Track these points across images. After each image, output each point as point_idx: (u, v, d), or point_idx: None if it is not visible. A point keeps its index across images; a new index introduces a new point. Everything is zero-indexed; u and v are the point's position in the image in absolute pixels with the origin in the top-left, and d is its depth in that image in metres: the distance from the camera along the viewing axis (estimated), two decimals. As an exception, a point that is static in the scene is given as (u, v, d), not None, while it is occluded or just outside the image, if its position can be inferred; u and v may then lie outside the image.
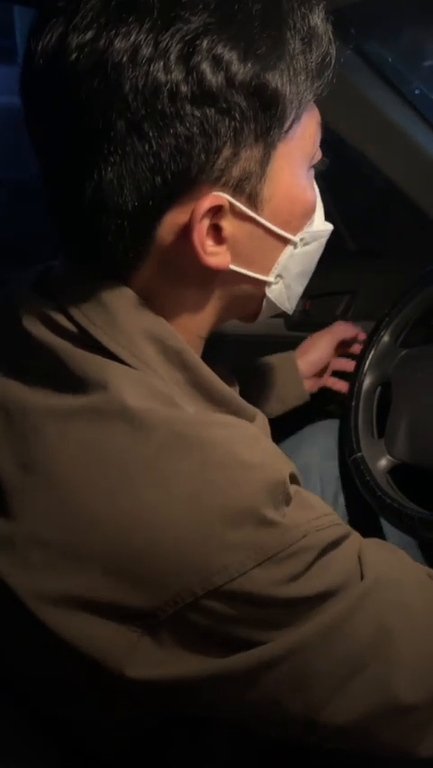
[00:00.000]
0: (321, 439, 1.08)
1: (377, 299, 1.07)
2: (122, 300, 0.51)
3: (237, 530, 0.43)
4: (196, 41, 0.43)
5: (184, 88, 0.43)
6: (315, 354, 1.04)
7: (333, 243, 1.23)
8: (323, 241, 0.59)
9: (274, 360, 1.04)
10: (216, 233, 0.50)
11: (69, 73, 0.43)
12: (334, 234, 1.14)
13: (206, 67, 0.43)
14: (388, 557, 0.53)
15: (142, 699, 0.48)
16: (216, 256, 0.50)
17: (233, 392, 0.57)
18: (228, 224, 0.50)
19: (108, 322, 0.50)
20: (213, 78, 0.43)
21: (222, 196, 0.48)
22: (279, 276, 0.56)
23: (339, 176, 1.05)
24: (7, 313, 0.53)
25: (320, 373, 1.06)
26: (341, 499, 1.04)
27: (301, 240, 0.55)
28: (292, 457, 1.04)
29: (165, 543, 0.43)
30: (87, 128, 0.44)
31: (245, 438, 0.48)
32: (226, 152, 0.46)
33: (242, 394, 0.97)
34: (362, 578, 0.48)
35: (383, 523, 1.05)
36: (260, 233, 0.52)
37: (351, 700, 0.47)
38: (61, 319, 0.50)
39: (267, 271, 0.55)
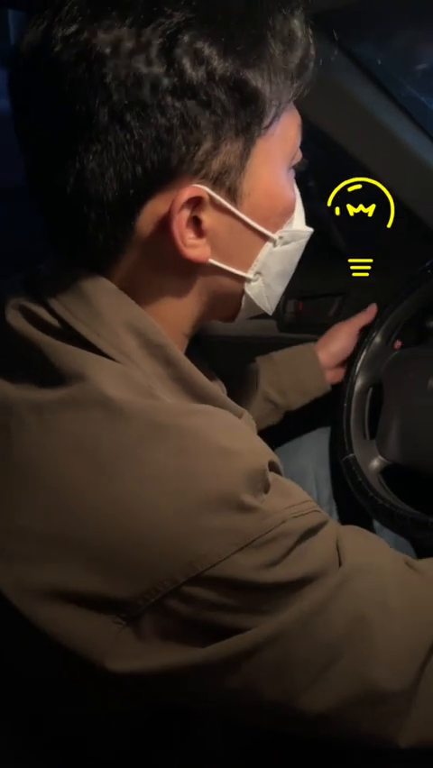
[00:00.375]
0: (316, 445, 1.08)
1: (369, 301, 1.08)
2: (103, 293, 0.51)
3: (217, 516, 0.44)
4: (177, 36, 0.44)
5: (165, 81, 0.44)
6: (336, 345, 1.04)
7: (325, 245, 1.24)
8: (303, 242, 0.60)
9: (294, 351, 1.04)
10: (196, 225, 0.51)
11: (54, 64, 0.44)
12: (326, 236, 1.14)
13: (186, 60, 0.44)
14: (366, 544, 0.53)
15: (128, 691, 0.48)
16: (195, 248, 0.51)
17: (218, 389, 0.57)
18: (208, 217, 0.51)
19: (90, 314, 0.50)
20: (193, 72, 0.44)
21: (201, 188, 0.49)
22: (258, 273, 0.57)
23: (332, 177, 1.06)
24: None
25: (342, 364, 1.06)
26: (335, 503, 1.04)
27: (281, 238, 0.56)
28: (288, 462, 1.05)
29: (145, 531, 0.43)
30: (70, 117, 0.45)
31: (224, 426, 0.49)
32: (207, 145, 0.47)
33: (262, 386, 0.99)
34: (340, 564, 0.49)
35: (376, 524, 1.05)
36: (239, 228, 0.52)
37: (329, 687, 0.47)
38: (44, 313, 0.51)
39: (246, 267, 0.56)
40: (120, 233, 0.50)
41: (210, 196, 0.49)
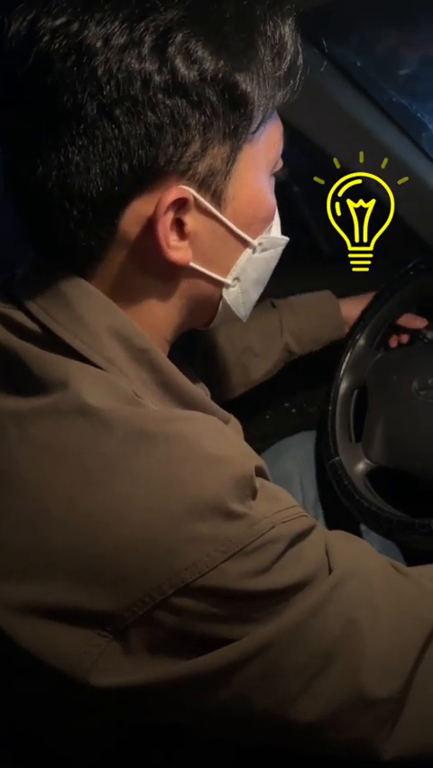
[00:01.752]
0: (301, 448, 1.08)
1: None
2: (85, 296, 0.50)
3: (205, 524, 0.43)
4: (170, 33, 0.43)
5: (158, 78, 0.44)
6: (362, 304, 1.01)
7: (309, 248, 1.24)
8: (279, 250, 0.60)
9: (317, 300, 1.03)
10: (179, 228, 0.50)
11: (41, 55, 0.43)
12: (310, 239, 1.14)
13: (179, 59, 0.44)
14: (353, 548, 0.53)
15: (114, 706, 0.47)
16: (178, 251, 0.50)
17: (203, 394, 0.56)
18: (191, 220, 0.50)
19: (72, 319, 0.49)
20: (186, 71, 0.44)
21: (187, 190, 0.48)
22: (236, 279, 0.56)
23: (314, 181, 1.06)
24: None
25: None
26: (321, 507, 1.04)
27: (260, 244, 0.56)
28: (273, 466, 1.04)
29: (130, 541, 0.42)
30: (56, 110, 0.44)
31: (210, 431, 0.48)
32: (195, 146, 0.47)
33: (284, 336, 0.99)
34: (330, 570, 0.48)
35: (363, 527, 1.05)
36: (222, 233, 0.52)
37: (320, 695, 0.46)
38: (23, 319, 0.50)
39: (225, 272, 0.55)
40: (102, 232, 0.49)
41: (195, 199, 0.49)
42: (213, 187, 0.49)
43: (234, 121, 0.48)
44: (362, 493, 0.86)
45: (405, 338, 1.02)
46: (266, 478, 0.52)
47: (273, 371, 1.02)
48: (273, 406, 1.27)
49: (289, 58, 0.49)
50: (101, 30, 0.43)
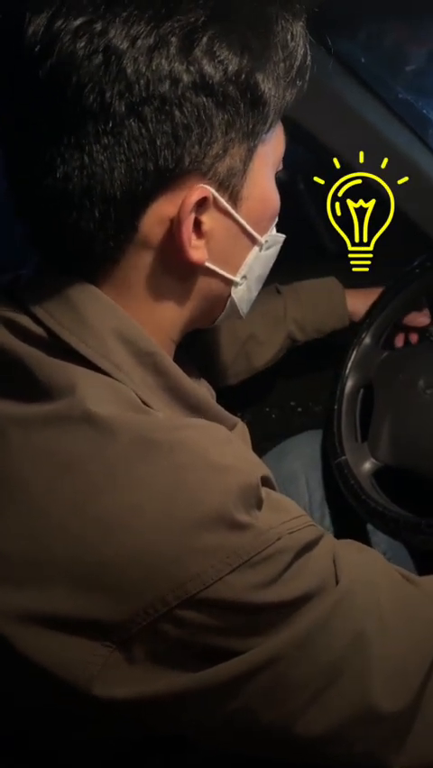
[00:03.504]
0: (307, 448, 1.07)
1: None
2: (91, 300, 0.50)
3: (210, 535, 0.42)
4: (195, 35, 0.44)
5: (186, 77, 0.44)
6: (368, 297, 1.00)
7: (314, 246, 1.23)
8: (278, 248, 0.60)
9: (321, 288, 1.02)
10: (197, 227, 0.50)
11: (64, 55, 0.43)
12: (315, 237, 1.13)
13: (206, 60, 0.45)
14: (363, 559, 0.52)
15: (116, 718, 0.46)
16: (197, 250, 0.51)
17: (209, 397, 0.56)
18: (209, 219, 0.50)
19: (77, 323, 0.49)
20: (213, 72, 0.45)
21: (209, 190, 0.49)
22: (244, 277, 0.57)
23: (319, 178, 1.05)
24: None
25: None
26: (327, 506, 1.03)
27: (266, 242, 0.56)
28: (279, 466, 1.04)
29: (134, 550, 0.42)
30: (82, 109, 0.44)
31: (216, 440, 0.47)
32: (217, 146, 0.48)
33: (288, 323, 0.98)
34: (337, 582, 0.47)
35: (369, 527, 1.05)
36: (235, 231, 0.53)
37: (328, 709, 0.46)
38: (29, 324, 0.49)
39: (236, 271, 0.56)
40: (122, 233, 0.49)
41: (214, 198, 0.49)
42: (231, 186, 0.50)
43: (253, 120, 0.49)
44: (368, 493, 0.86)
45: (414, 337, 1.02)
46: (272, 487, 0.51)
47: (276, 358, 1.02)
48: (279, 405, 1.26)
49: (299, 59, 0.50)
50: (127, 30, 0.43)
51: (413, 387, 0.88)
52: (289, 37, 0.49)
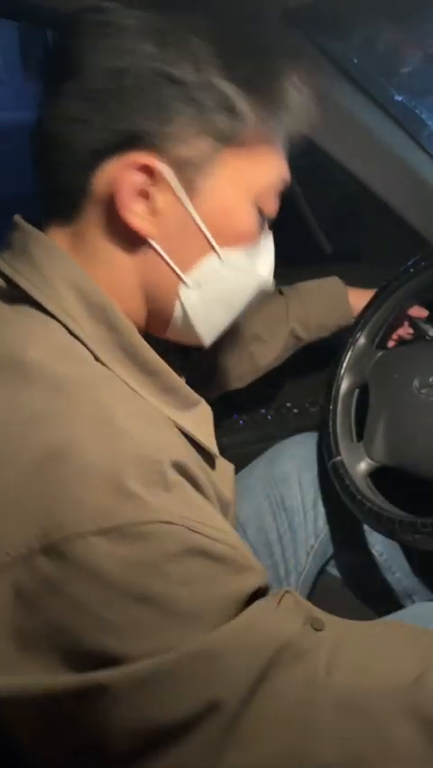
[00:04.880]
0: (301, 449, 1.07)
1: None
2: (46, 251, 0.53)
3: (89, 489, 0.40)
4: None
5: (157, 65, 0.50)
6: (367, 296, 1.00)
7: (309, 246, 1.23)
8: (255, 284, 0.60)
9: (323, 286, 1.03)
10: (149, 202, 0.53)
11: (78, 24, 0.52)
12: (310, 237, 1.13)
13: (187, 63, 0.50)
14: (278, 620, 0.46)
15: None
16: (140, 219, 0.53)
17: (168, 367, 0.55)
18: (162, 199, 0.53)
19: (32, 271, 0.52)
20: (193, 77, 0.50)
21: (157, 163, 0.51)
22: (197, 282, 0.57)
23: (313, 179, 1.06)
24: None
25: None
26: (320, 507, 1.03)
27: (228, 259, 0.56)
28: (272, 467, 1.04)
29: (11, 488, 0.41)
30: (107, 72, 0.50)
31: (132, 410, 0.48)
32: (173, 129, 0.51)
33: (290, 322, 0.98)
34: (213, 629, 0.42)
35: (366, 528, 1.04)
36: (189, 226, 0.54)
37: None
38: None
39: (186, 268, 0.56)
40: (79, 184, 0.53)
41: (165, 177, 0.52)
42: (187, 175, 0.53)
43: (220, 121, 0.51)
44: (364, 493, 0.85)
45: (408, 330, 1.02)
46: (190, 480, 0.47)
47: (281, 358, 1.02)
48: (275, 406, 1.26)
49: (295, 114, 0.54)
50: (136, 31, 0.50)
51: (408, 386, 0.88)
52: (294, 95, 0.53)
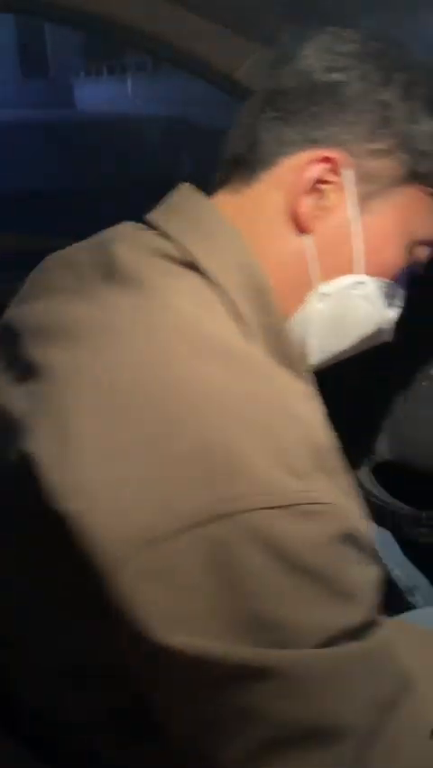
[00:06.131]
0: None
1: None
2: (220, 223, 0.54)
3: (263, 466, 0.40)
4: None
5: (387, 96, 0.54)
6: None
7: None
8: (378, 323, 0.59)
9: None
10: (320, 199, 0.54)
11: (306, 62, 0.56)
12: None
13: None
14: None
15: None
16: (307, 209, 0.54)
17: (302, 358, 0.56)
18: (334, 198, 0.54)
19: (203, 240, 0.52)
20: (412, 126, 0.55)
21: (341, 156, 0.53)
22: (327, 296, 0.56)
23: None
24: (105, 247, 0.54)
25: None
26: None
27: (365, 285, 0.56)
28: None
29: (184, 460, 0.40)
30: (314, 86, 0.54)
31: (299, 394, 0.47)
32: (370, 146, 0.54)
33: None
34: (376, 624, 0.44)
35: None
36: (346, 238, 0.55)
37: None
38: (157, 241, 0.52)
39: (323, 278, 0.55)
40: (268, 159, 0.54)
41: (346, 179, 0.53)
42: (366, 188, 0.54)
43: (418, 155, 0.54)
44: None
45: None
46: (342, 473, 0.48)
47: None
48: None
49: None
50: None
51: (410, 380, 0.89)
52: None
